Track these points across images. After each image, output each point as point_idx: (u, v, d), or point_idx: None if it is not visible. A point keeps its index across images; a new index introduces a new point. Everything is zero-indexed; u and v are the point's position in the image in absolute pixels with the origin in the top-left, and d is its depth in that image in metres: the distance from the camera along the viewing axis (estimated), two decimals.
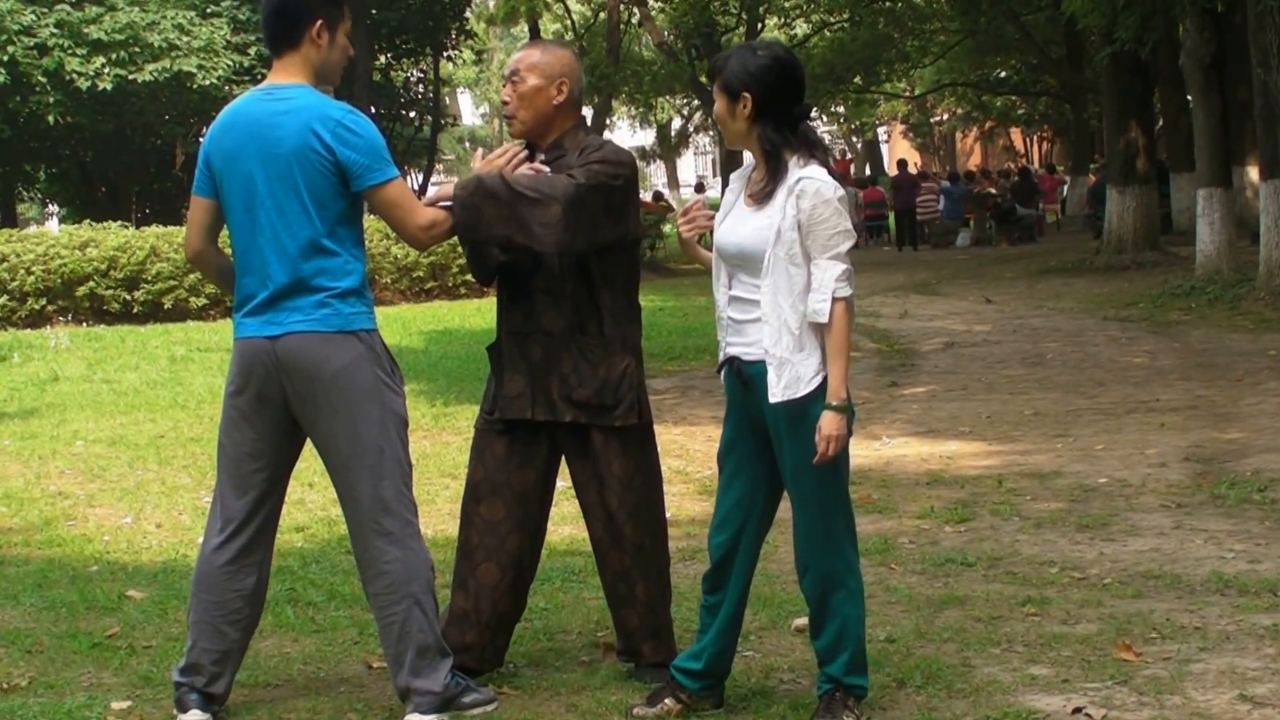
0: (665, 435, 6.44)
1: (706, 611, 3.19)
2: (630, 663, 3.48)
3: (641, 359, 3.45)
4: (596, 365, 3.33)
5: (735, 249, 3.06)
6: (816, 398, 2.96)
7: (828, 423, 2.94)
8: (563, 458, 3.47)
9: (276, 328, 3.10)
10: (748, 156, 3.19)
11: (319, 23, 3.15)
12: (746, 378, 3.05)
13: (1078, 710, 3.09)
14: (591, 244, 3.28)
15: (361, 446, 3.10)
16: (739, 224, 3.07)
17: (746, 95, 3.02)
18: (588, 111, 26.81)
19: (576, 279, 3.33)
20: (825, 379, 2.97)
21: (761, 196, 3.04)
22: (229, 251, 3.27)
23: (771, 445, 3.07)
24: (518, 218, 3.19)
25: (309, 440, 3.21)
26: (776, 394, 2.96)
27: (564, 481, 3.61)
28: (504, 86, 3.46)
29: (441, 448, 6.92)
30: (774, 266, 2.98)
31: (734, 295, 3.10)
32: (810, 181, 2.98)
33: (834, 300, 2.95)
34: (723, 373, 3.15)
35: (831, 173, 3.05)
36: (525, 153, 3.36)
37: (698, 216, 3.23)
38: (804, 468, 2.99)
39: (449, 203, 3.24)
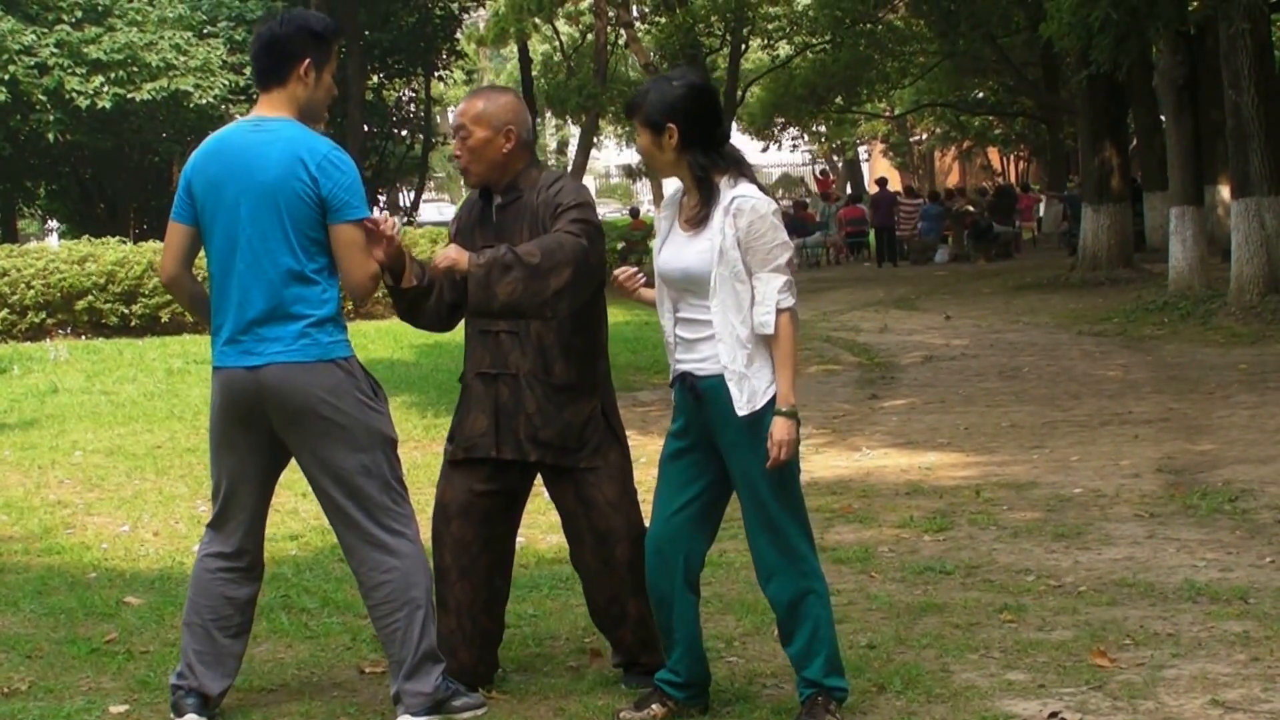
0: (650, 446, 6.50)
1: (664, 633, 3.24)
2: (620, 667, 3.54)
3: (610, 388, 3.49)
4: (561, 408, 3.37)
5: (681, 274, 3.13)
6: (770, 408, 3.05)
7: (779, 428, 3.02)
8: (547, 491, 3.51)
9: (257, 358, 3.14)
10: (677, 183, 3.23)
11: (307, 62, 3.21)
12: (700, 392, 3.11)
13: (1054, 715, 3.15)
14: (587, 295, 3.31)
15: (349, 469, 3.15)
16: (680, 250, 3.13)
17: (672, 126, 3.09)
18: (576, 130, 26.94)
19: (540, 321, 3.35)
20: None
21: (697, 220, 3.10)
22: (203, 279, 3.30)
23: (720, 458, 3.13)
24: (531, 290, 3.18)
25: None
26: (743, 408, 3.03)
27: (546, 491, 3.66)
28: (454, 140, 3.48)
29: (433, 458, 6.97)
30: (721, 285, 3.05)
31: (681, 317, 3.17)
32: (745, 199, 3.06)
33: (778, 311, 3.03)
34: (675, 387, 3.20)
35: (762, 188, 3.13)
36: (398, 224, 3.31)
37: (631, 277, 3.30)
38: (761, 476, 3.06)
39: (462, 272, 3.18)
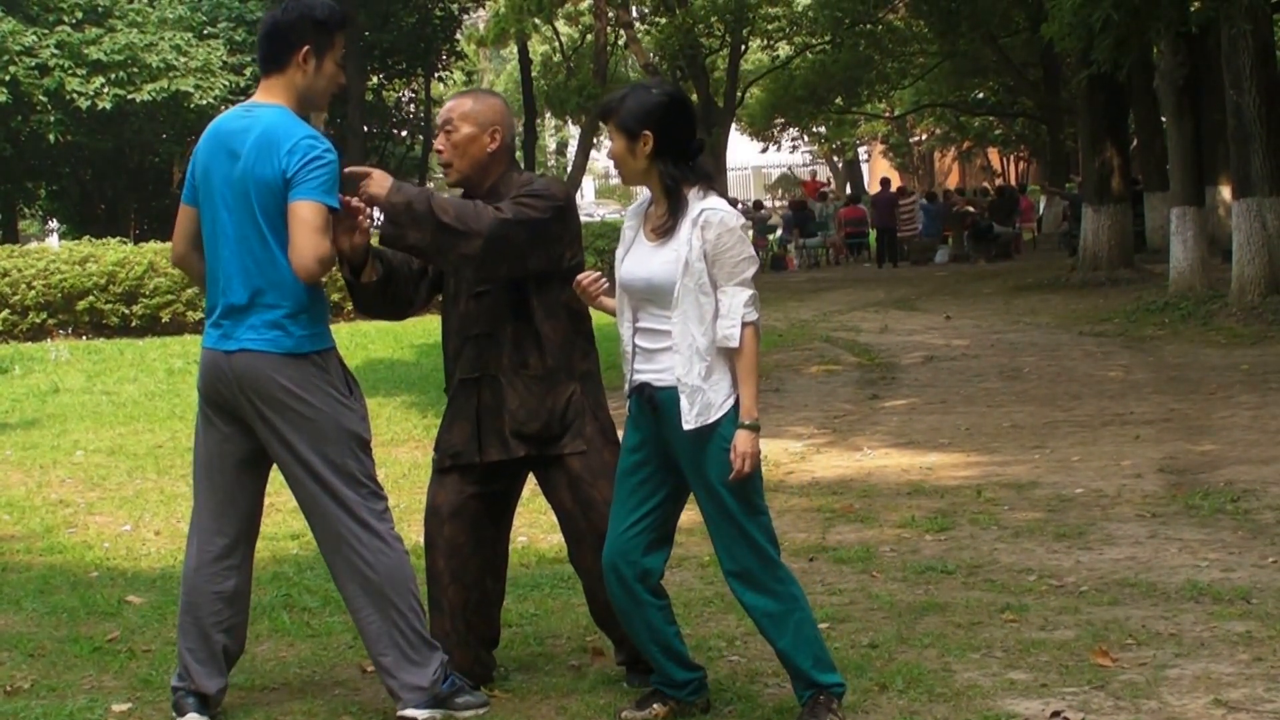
0: None
1: (636, 643, 3.24)
2: (623, 666, 3.54)
3: (597, 382, 3.49)
4: (542, 398, 3.38)
5: (644, 283, 3.13)
6: (728, 420, 3.06)
7: (742, 441, 3.03)
8: (544, 493, 3.52)
9: (233, 343, 3.16)
10: (643, 192, 3.24)
11: (306, 48, 3.21)
12: (657, 403, 3.12)
13: (1056, 714, 3.15)
14: (517, 272, 3.33)
15: (316, 463, 3.15)
16: (645, 259, 3.14)
17: (647, 133, 3.10)
18: (576, 131, 26.91)
19: (514, 318, 3.38)
20: (736, 402, 3.06)
21: (664, 231, 3.12)
22: None
23: (678, 469, 3.13)
24: (438, 246, 3.23)
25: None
26: (690, 421, 3.04)
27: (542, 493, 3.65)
28: (437, 136, 3.49)
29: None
30: (684, 297, 3.06)
31: (641, 326, 3.17)
32: (713, 212, 3.07)
33: (743, 325, 3.04)
34: (631, 399, 3.20)
35: (732, 202, 3.14)
36: (372, 218, 3.31)
37: (595, 282, 3.28)
38: (722, 486, 3.06)
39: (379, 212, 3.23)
